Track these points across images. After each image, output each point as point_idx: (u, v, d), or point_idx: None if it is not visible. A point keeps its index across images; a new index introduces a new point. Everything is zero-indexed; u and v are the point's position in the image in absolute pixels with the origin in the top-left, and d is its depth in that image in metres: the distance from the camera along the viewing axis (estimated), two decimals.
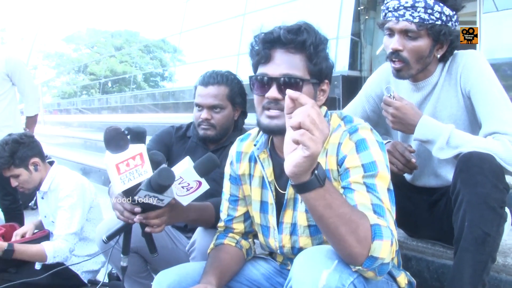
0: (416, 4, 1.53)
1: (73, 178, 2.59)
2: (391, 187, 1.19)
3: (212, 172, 1.43)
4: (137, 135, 1.39)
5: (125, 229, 1.45)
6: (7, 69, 3.35)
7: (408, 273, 1.41)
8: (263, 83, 1.24)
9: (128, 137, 1.34)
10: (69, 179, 2.56)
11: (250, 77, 1.28)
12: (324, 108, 1.34)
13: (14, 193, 3.45)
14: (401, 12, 1.55)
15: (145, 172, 1.31)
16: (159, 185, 1.27)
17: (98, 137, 7.68)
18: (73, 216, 2.45)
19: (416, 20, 1.53)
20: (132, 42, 16.48)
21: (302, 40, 1.21)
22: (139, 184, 1.30)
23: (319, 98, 1.29)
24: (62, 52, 22.07)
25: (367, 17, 7.50)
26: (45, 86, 20.18)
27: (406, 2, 1.54)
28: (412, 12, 1.53)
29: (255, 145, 1.41)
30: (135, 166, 1.31)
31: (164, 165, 1.34)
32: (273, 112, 1.23)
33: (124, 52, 16.87)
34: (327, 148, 1.26)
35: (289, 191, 1.35)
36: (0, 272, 2.41)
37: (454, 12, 1.56)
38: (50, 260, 2.36)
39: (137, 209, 1.37)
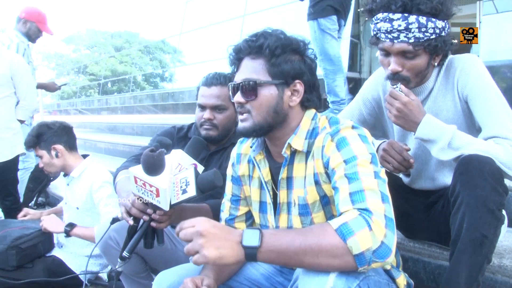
0: (410, 26, 1.50)
1: (106, 172, 2.70)
2: (379, 169, 1.18)
3: (201, 152, 1.51)
4: (166, 146, 1.45)
5: (141, 238, 1.47)
6: (11, 71, 3.35)
7: (406, 274, 1.43)
8: (234, 90, 1.34)
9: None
10: (102, 172, 2.67)
11: (229, 85, 1.38)
12: (313, 111, 1.38)
13: (15, 193, 3.46)
14: (395, 35, 1.53)
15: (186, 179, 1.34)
16: (214, 186, 1.29)
17: (98, 137, 7.69)
18: (112, 203, 2.54)
19: (412, 40, 1.51)
20: (132, 43, 16.52)
21: (259, 45, 1.30)
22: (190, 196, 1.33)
23: (291, 99, 1.34)
24: (61, 52, 22.08)
25: (366, 19, 7.52)
26: None
27: (399, 26, 1.51)
28: (407, 34, 1.50)
29: (251, 147, 1.45)
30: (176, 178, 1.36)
31: (215, 169, 1.37)
32: (241, 116, 1.33)
33: (123, 53, 16.90)
34: (313, 151, 1.30)
35: (281, 195, 1.39)
36: (18, 268, 2.48)
37: (445, 21, 1.54)
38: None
39: (149, 210, 1.41)
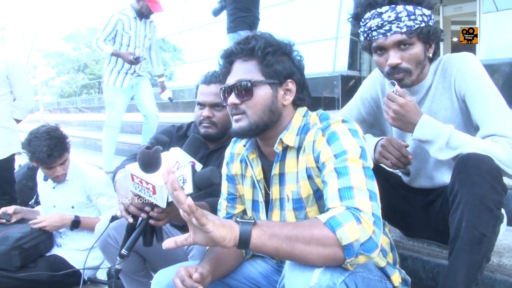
0: (400, 15, 1.53)
1: (91, 166, 2.69)
2: (368, 164, 1.20)
3: (200, 150, 1.51)
4: (162, 144, 1.45)
5: (140, 235, 1.46)
6: (6, 70, 3.35)
7: (403, 271, 1.43)
8: (226, 93, 1.37)
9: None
10: (89, 167, 2.65)
11: (220, 90, 1.41)
12: (304, 108, 1.41)
13: (11, 192, 3.46)
14: (386, 28, 1.55)
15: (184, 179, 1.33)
16: (211, 183, 1.28)
17: (97, 136, 7.69)
18: (110, 195, 2.55)
19: (404, 29, 1.54)
20: None
21: (251, 47, 1.33)
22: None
23: (285, 98, 1.36)
24: (61, 51, 22.08)
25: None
26: (44, 85, 20.17)
27: (389, 17, 1.54)
28: (398, 24, 1.53)
29: (244, 145, 1.47)
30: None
31: (213, 166, 1.35)
32: (236, 117, 1.34)
33: None
34: (305, 146, 1.32)
35: (274, 192, 1.40)
36: (21, 268, 2.47)
37: (430, 11, 1.58)
38: None
39: (147, 208, 1.42)
